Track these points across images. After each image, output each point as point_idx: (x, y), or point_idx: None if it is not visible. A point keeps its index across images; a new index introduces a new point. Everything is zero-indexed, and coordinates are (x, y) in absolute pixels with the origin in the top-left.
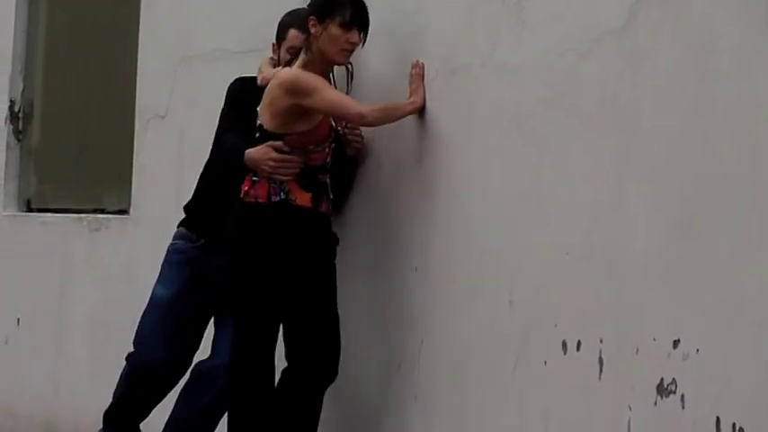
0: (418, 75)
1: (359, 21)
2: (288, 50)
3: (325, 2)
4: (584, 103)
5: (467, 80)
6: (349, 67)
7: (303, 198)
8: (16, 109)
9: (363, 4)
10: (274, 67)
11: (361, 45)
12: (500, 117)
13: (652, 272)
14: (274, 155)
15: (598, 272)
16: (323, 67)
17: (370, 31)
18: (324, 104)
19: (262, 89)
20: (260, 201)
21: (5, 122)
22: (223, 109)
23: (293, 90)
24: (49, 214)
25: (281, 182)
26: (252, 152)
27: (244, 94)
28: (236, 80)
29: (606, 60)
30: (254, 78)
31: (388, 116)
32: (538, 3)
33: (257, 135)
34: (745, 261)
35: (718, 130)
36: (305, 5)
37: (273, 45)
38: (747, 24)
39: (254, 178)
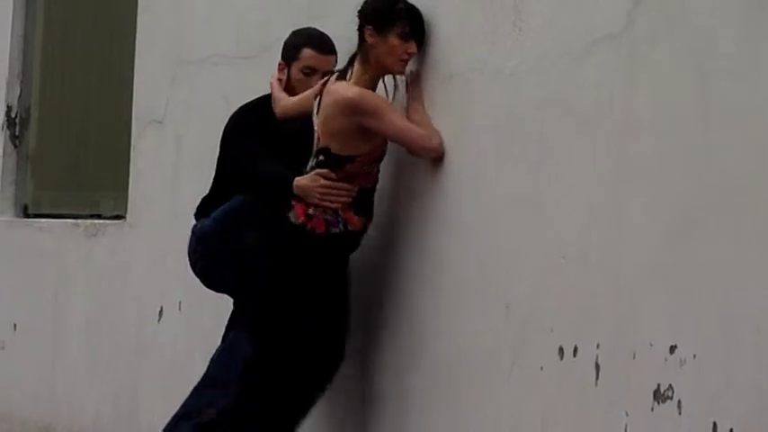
0: (416, 79)
1: (418, 32)
2: (302, 70)
3: (384, 12)
4: (582, 107)
5: (463, 85)
6: (402, 76)
7: (356, 223)
8: (13, 114)
9: (420, 14)
10: (286, 86)
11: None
12: (497, 121)
13: (649, 276)
14: (323, 182)
15: (595, 276)
16: (377, 77)
17: None
18: (392, 131)
19: (263, 115)
20: (318, 232)
21: (2, 128)
22: (231, 141)
23: (357, 110)
24: (46, 220)
25: (336, 211)
26: (301, 180)
27: (245, 127)
28: (234, 115)
29: (603, 64)
30: (250, 107)
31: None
32: (534, 7)
33: (321, 158)
34: (743, 265)
35: (715, 133)
36: (302, 14)
37: (281, 64)
38: (745, 28)
39: (309, 212)
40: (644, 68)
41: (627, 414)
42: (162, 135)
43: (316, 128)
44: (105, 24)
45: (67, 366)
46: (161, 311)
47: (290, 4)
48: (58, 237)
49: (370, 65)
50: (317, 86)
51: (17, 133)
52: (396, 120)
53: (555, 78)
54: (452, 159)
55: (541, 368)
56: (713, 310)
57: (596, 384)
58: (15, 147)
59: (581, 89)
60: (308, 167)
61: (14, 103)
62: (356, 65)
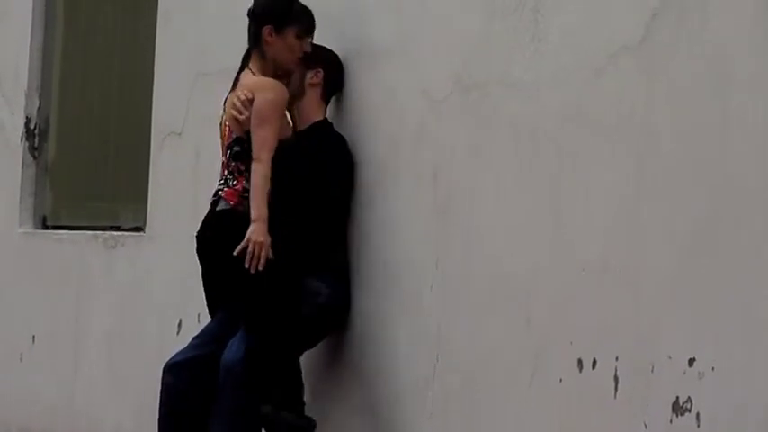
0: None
1: (312, 30)
2: None
3: (282, 13)
4: (601, 119)
5: (483, 96)
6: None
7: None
8: (32, 126)
9: (312, 14)
10: None
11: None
12: (516, 133)
13: (668, 289)
14: None
15: (614, 289)
16: (274, 72)
17: (383, 51)
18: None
19: None
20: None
21: (21, 139)
22: None
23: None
24: (65, 231)
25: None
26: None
27: None
28: None
29: (623, 76)
30: None
31: (255, 191)
32: (554, 19)
33: (237, 150)
34: (762, 278)
35: (734, 145)
36: (320, 27)
37: None
38: (762, 39)
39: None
40: (662, 80)
41: (646, 426)
42: (181, 147)
43: (226, 122)
44: (124, 36)
45: (86, 379)
46: (180, 323)
47: None
48: (77, 248)
49: (268, 61)
50: None
51: (36, 145)
52: (268, 131)
53: (574, 90)
54: (471, 171)
55: (561, 380)
56: (732, 323)
57: (615, 397)
58: (34, 158)
59: (600, 101)
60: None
61: (34, 114)
62: (254, 62)
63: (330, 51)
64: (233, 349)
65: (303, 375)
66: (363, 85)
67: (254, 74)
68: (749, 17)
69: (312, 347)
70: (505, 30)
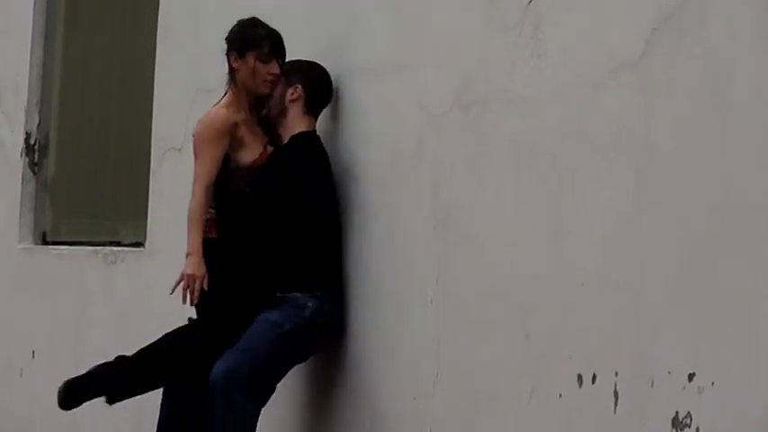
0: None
1: (278, 54)
2: None
3: (243, 38)
4: (601, 135)
5: (482, 112)
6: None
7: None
8: (32, 142)
9: (280, 36)
10: None
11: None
12: (515, 149)
13: (667, 304)
14: None
15: (613, 304)
16: (244, 98)
17: (383, 66)
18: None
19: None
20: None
21: (21, 155)
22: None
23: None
24: (65, 247)
25: None
26: None
27: None
28: None
29: (622, 91)
30: None
31: (188, 224)
32: (553, 35)
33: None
34: (762, 293)
35: (734, 160)
36: (320, 43)
37: None
38: (763, 54)
39: None
40: (662, 96)
41: None
42: (181, 162)
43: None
44: (124, 52)
45: None
46: None
47: (307, 33)
48: (77, 264)
49: (239, 86)
50: None
51: (36, 160)
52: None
53: (573, 106)
54: (471, 187)
55: (560, 396)
56: (731, 338)
57: (615, 412)
58: (34, 174)
59: (599, 117)
60: None
61: (33, 130)
62: (229, 89)
63: (312, 66)
64: (227, 360)
65: (302, 390)
66: (363, 101)
67: (217, 102)
68: (749, 33)
69: (303, 361)
70: (505, 45)
